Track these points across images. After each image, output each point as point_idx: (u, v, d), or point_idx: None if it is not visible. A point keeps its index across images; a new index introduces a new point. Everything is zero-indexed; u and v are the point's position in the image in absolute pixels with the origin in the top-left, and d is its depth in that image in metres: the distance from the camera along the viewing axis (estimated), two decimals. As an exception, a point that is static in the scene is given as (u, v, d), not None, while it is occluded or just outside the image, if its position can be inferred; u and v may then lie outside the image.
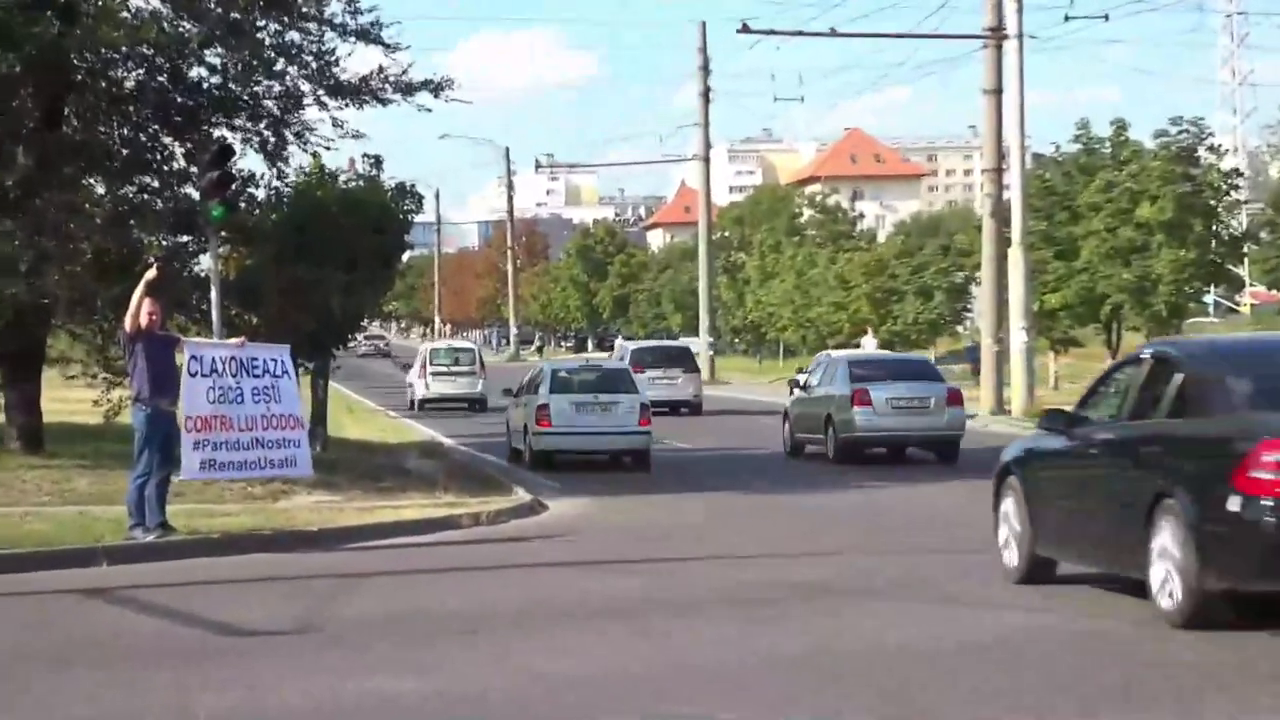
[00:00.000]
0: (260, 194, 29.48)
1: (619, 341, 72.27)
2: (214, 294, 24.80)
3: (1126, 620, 13.58)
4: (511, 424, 34.23)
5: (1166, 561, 13.01)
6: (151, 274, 19.68)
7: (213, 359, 20.46)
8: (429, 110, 28.97)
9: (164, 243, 27.89)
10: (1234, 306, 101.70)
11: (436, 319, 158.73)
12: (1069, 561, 15.44)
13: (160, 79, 27.36)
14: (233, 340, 21.88)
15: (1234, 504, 12.39)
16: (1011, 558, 15.98)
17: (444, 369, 56.58)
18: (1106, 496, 14.41)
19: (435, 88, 28.16)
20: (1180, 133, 56.92)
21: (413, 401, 56.62)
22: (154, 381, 19.14)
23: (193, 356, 20.29)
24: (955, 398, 33.54)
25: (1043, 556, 15.59)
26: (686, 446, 37.67)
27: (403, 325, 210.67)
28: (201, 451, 20.20)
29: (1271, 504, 12.22)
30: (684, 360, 54.38)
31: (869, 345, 62.79)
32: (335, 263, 29.17)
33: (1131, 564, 13.74)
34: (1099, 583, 15.21)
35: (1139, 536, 13.32)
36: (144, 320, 19.14)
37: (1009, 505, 16.07)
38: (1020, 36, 44.42)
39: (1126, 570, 14.09)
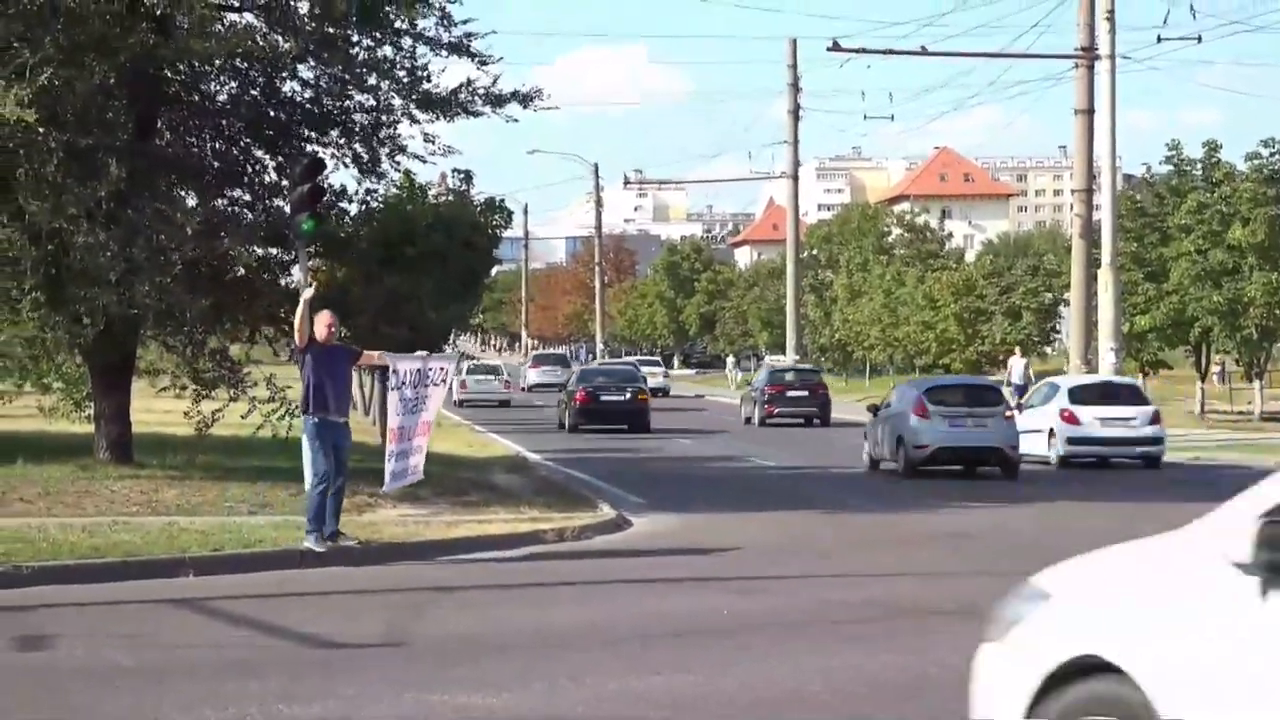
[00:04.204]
0: (352, 209, 29.65)
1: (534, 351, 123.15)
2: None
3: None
4: (453, 389, 67.02)
5: (564, 416, 53.30)
6: (309, 292, 20.34)
7: (406, 371, 21.14)
8: (516, 121, 28.97)
9: (254, 255, 28.07)
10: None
11: (524, 334, 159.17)
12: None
13: (253, 92, 27.56)
14: (419, 353, 22.35)
15: (579, 405, 52.29)
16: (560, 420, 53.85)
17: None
18: (561, 403, 55.62)
19: (524, 99, 28.22)
20: (1272, 155, 56.46)
21: None
22: (319, 391, 19.52)
23: (393, 370, 21.02)
24: None
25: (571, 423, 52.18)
26: (771, 464, 37.69)
27: (489, 340, 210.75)
28: (393, 462, 20.96)
29: (579, 405, 52.16)
30: (564, 361, 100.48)
31: (1017, 367, 60.80)
32: (425, 276, 29.31)
33: (564, 423, 53.11)
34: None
35: (565, 413, 53.62)
36: (321, 333, 19.72)
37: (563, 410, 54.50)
38: (1113, 57, 44.16)
39: (563, 421, 53.29)
